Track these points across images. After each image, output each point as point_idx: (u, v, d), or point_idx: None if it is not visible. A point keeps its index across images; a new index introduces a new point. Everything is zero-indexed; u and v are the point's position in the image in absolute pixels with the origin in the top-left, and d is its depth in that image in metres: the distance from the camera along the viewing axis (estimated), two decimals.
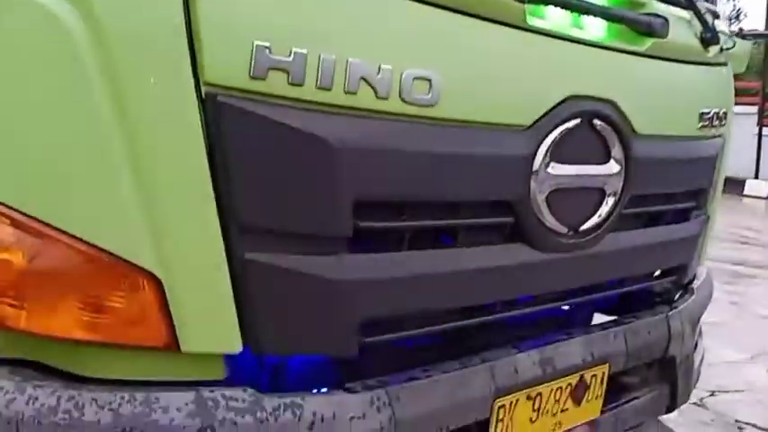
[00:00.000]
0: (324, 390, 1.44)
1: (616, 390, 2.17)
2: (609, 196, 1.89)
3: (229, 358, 1.36)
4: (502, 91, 1.59)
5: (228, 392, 1.29)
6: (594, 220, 1.87)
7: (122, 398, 1.20)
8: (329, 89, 1.29)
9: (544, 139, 1.68)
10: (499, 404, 1.71)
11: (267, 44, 1.22)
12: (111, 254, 1.19)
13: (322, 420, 1.35)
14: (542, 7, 1.67)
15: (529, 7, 1.61)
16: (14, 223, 1.19)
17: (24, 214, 1.19)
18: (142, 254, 1.19)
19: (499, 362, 1.72)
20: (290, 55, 1.24)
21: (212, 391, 1.28)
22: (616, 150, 1.86)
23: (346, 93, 1.31)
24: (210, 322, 1.26)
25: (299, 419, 1.33)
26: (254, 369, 1.52)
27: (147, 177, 1.19)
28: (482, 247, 1.63)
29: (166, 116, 1.19)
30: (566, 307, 2.14)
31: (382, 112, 1.37)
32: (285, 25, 1.25)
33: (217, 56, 1.19)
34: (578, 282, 1.93)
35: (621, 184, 1.90)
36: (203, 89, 1.19)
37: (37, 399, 1.17)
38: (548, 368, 1.84)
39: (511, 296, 1.75)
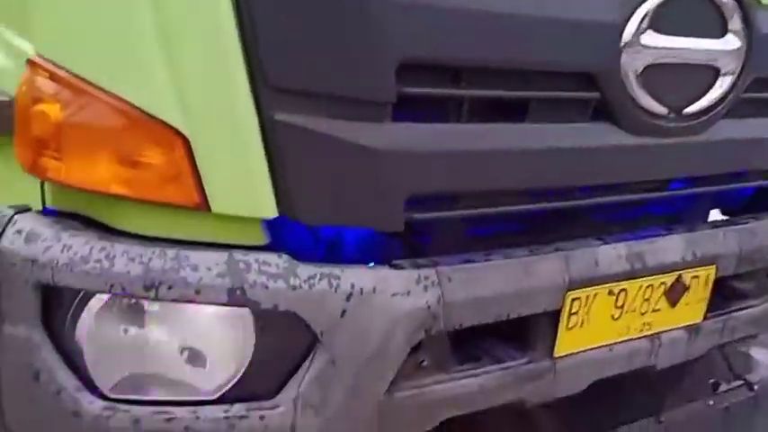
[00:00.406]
0: (370, 265, 1.39)
1: (726, 296, 1.97)
2: (724, 76, 1.65)
3: (271, 226, 1.33)
4: None
5: (262, 257, 1.27)
6: (703, 102, 1.65)
7: (153, 252, 1.22)
8: None
9: (641, 3, 1.47)
10: (573, 296, 1.59)
11: None
12: (139, 109, 1.18)
13: (361, 293, 1.31)
14: None
15: None
16: (52, 76, 1.21)
17: (61, 67, 1.20)
18: (168, 110, 1.18)
19: (577, 251, 1.59)
20: None
21: (245, 255, 1.26)
22: (735, 22, 1.61)
23: None
24: (241, 184, 1.23)
25: (335, 290, 1.29)
26: (306, 241, 1.49)
27: (171, 32, 1.15)
28: (557, 125, 1.48)
29: None
30: (674, 204, 1.95)
31: None
32: None
33: None
34: (679, 172, 1.73)
35: (741, 63, 1.65)
36: None
37: (71, 247, 1.21)
38: (637, 263, 1.68)
39: (592, 182, 1.59)
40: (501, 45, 1.34)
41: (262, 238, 1.33)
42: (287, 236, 1.39)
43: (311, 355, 1.29)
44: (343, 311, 1.28)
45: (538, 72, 1.43)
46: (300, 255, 1.33)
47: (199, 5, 1.16)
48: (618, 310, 1.69)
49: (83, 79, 1.20)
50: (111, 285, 1.20)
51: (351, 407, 1.34)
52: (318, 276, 1.29)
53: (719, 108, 1.68)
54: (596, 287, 1.62)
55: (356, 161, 1.28)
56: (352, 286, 1.30)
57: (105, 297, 1.24)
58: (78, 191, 1.26)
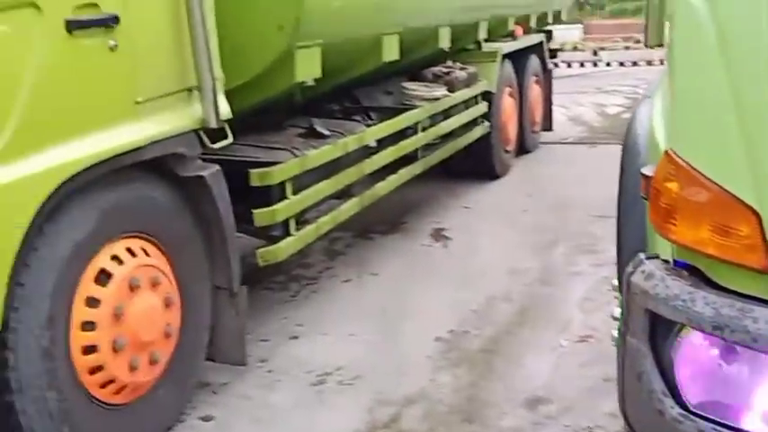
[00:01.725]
0: None
1: None
2: None
3: None
4: None
5: None
6: None
7: (725, 302, 1.56)
8: None
9: None
10: None
11: None
12: (723, 189, 1.55)
13: None
14: None
15: None
16: (674, 162, 1.68)
17: (680, 157, 1.67)
18: (743, 190, 1.51)
19: None
20: None
21: None
22: None
23: None
24: None
25: None
26: None
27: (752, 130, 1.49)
28: None
29: None
30: None
31: None
32: None
33: None
34: None
35: None
36: None
37: (669, 287, 1.66)
38: None
39: None
40: None
41: None
42: None
43: None
44: None
45: None
46: None
47: None
48: None
49: (691, 166, 1.63)
50: (689, 320, 1.59)
51: None
52: None
53: None
54: None
55: None
56: None
57: (697, 332, 1.64)
58: (688, 249, 1.69)
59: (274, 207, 3.62)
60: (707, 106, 1.65)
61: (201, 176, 3.06)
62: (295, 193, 3.78)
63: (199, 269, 3.18)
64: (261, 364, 3.62)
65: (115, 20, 2.61)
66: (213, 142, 3.12)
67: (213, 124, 3.03)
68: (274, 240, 3.73)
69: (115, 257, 2.74)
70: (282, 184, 3.67)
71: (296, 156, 3.82)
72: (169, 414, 3.08)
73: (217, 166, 3.14)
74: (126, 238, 2.80)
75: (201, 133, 3.07)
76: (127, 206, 2.80)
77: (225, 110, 3.13)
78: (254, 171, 3.53)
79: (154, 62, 2.83)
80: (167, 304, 2.94)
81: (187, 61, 2.96)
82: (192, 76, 2.98)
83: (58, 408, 2.52)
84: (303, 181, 3.90)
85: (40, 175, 2.38)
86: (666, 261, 1.77)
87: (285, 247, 3.72)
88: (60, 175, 2.44)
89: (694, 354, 1.67)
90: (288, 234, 3.77)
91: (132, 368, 2.78)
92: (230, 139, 3.20)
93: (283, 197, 3.70)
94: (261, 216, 3.57)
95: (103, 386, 2.71)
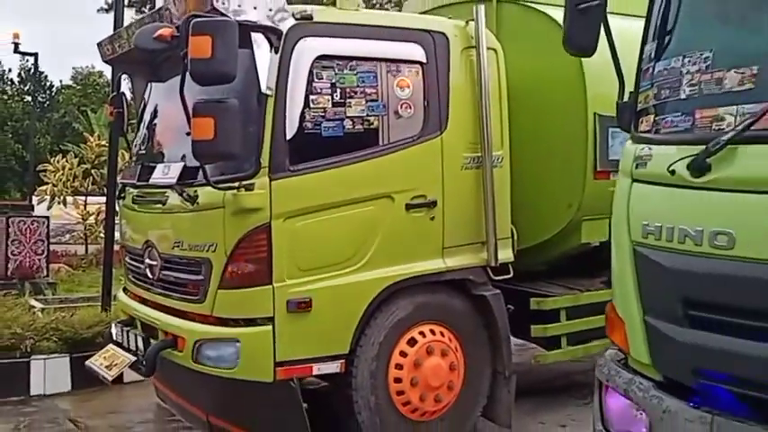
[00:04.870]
0: None
1: None
2: None
3: None
4: None
5: None
6: None
7: (627, 377, 2.95)
8: None
9: None
10: None
11: None
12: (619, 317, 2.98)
13: None
14: None
15: None
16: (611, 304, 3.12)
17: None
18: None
19: None
20: None
21: None
22: None
23: None
24: None
25: None
26: None
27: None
28: None
29: None
30: None
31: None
32: None
33: None
34: None
35: None
36: None
37: (607, 367, 3.07)
38: None
39: None
40: None
41: None
42: None
43: None
44: None
45: None
46: None
47: None
48: None
49: (613, 306, 3.06)
50: (610, 383, 3.00)
51: None
52: None
53: None
54: None
55: None
56: None
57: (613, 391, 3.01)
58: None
59: (546, 326, 5.35)
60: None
61: (484, 296, 5.04)
62: (569, 318, 5.43)
63: (482, 354, 5.10)
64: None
65: (434, 203, 4.85)
66: (496, 275, 5.08)
67: (492, 263, 5.02)
68: (548, 348, 5.44)
69: (422, 332, 4.86)
70: (558, 310, 5.38)
71: (571, 293, 5.50)
72: None
73: (498, 291, 5.08)
74: (430, 323, 4.90)
75: (488, 269, 5.07)
76: (433, 304, 4.92)
77: (504, 256, 5.09)
78: (533, 299, 5.36)
79: (457, 226, 4.97)
80: (452, 368, 4.92)
81: (481, 226, 5.04)
82: (482, 235, 5.03)
83: (375, 406, 4.68)
84: (581, 312, 5.51)
85: (381, 279, 4.68)
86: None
87: (553, 356, 5.39)
88: (392, 279, 4.70)
89: (613, 401, 3.03)
90: (559, 347, 5.42)
91: (422, 399, 4.81)
92: (510, 275, 5.12)
93: (557, 320, 5.40)
94: (535, 330, 5.35)
95: (404, 405, 4.79)
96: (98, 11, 33.06)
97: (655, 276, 2.74)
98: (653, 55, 2.93)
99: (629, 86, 3.07)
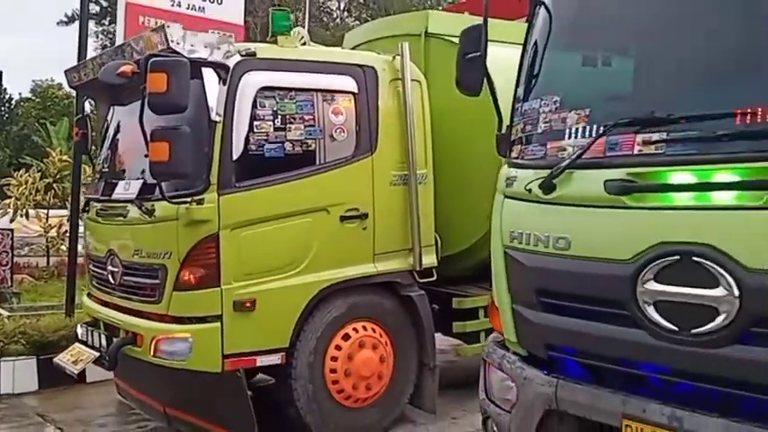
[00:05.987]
0: None
1: None
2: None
3: None
4: None
5: None
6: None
7: (501, 353, 3.66)
8: None
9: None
10: (626, 423, 2.94)
11: None
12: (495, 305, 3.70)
13: None
14: None
15: None
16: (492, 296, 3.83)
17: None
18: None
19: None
20: None
21: None
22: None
23: None
24: None
25: None
26: None
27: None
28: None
29: None
30: None
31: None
32: None
33: None
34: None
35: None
36: None
37: (490, 347, 3.78)
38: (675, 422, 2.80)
39: None
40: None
41: None
42: None
43: None
44: None
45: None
46: None
47: None
48: None
49: (492, 298, 3.78)
50: (489, 359, 3.71)
51: None
52: None
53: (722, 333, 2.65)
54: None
55: None
56: None
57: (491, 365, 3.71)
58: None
59: (466, 323, 6.07)
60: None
61: (410, 296, 5.74)
62: (486, 316, 6.14)
63: (409, 348, 5.80)
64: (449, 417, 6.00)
65: (366, 215, 5.55)
66: (422, 278, 5.79)
67: (417, 268, 5.74)
68: (469, 342, 6.15)
69: (355, 329, 5.54)
70: (476, 309, 6.10)
71: (488, 293, 6.21)
72: (376, 424, 5.67)
73: (423, 292, 5.80)
74: (363, 320, 5.58)
75: (415, 273, 5.77)
76: (365, 304, 5.61)
77: (428, 261, 5.82)
78: (455, 299, 6.08)
79: (386, 235, 5.68)
80: (382, 360, 5.61)
81: (408, 235, 5.74)
82: (409, 242, 5.74)
83: (313, 394, 5.34)
84: None
85: (318, 282, 5.35)
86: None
87: (472, 349, 6.10)
88: (328, 282, 5.38)
89: (492, 374, 3.72)
90: (478, 341, 6.14)
91: (355, 387, 5.48)
92: (434, 278, 5.84)
93: (476, 317, 6.11)
94: (456, 327, 6.07)
95: (338, 393, 5.46)
96: (58, 23, 33.39)
97: (518, 272, 3.46)
98: (521, 96, 3.66)
99: (507, 121, 3.80)
